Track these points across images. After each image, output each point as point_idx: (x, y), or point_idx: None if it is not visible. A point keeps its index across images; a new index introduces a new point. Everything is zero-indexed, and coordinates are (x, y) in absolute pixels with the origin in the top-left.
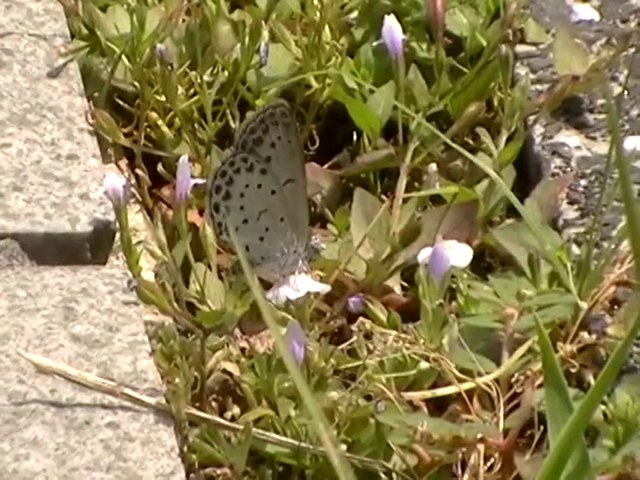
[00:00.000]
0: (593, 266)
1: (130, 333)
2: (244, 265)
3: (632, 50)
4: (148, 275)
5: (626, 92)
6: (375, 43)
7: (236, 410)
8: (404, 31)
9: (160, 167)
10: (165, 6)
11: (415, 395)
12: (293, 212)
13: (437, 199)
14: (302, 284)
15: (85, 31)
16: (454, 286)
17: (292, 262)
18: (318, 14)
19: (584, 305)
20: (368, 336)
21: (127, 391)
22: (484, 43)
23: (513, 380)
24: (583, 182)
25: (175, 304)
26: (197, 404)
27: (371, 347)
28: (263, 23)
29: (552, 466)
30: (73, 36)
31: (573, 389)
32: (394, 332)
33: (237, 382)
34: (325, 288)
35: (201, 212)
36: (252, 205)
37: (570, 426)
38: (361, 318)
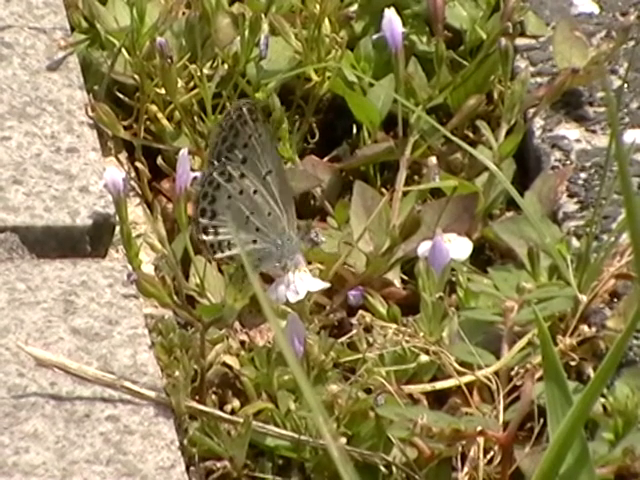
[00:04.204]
0: (593, 259)
1: (130, 326)
2: (246, 267)
3: (632, 43)
4: (148, 268)
5: (626, 85)
6: (375, 36)
7: (236, 403)
8: (404, 24)
9: (160, 160)
10: None
11: (415, 388)
12: (277, 201)
13: (437, 192)
14: (302, 285)
15: (85, 24)
16: (454, 279)
17: (289, 251)
18: (318, 7)
19: (584, 298)
20: (368, 329)
21: (127, 384)
22: (484, 36)
23: (513, 373)
24: (583, 175)
25: (175, 297)
26: (197, 397)
27: (371, 340)
28: (263, 16)
29: (552, 459)
30: (73, 29)
31: (573, 382)
32: (394, 325)
33: (237, 375)
34: (324, 286)
35: None
36: (238, 213)
37: (570, 419)
38: (361, 311)
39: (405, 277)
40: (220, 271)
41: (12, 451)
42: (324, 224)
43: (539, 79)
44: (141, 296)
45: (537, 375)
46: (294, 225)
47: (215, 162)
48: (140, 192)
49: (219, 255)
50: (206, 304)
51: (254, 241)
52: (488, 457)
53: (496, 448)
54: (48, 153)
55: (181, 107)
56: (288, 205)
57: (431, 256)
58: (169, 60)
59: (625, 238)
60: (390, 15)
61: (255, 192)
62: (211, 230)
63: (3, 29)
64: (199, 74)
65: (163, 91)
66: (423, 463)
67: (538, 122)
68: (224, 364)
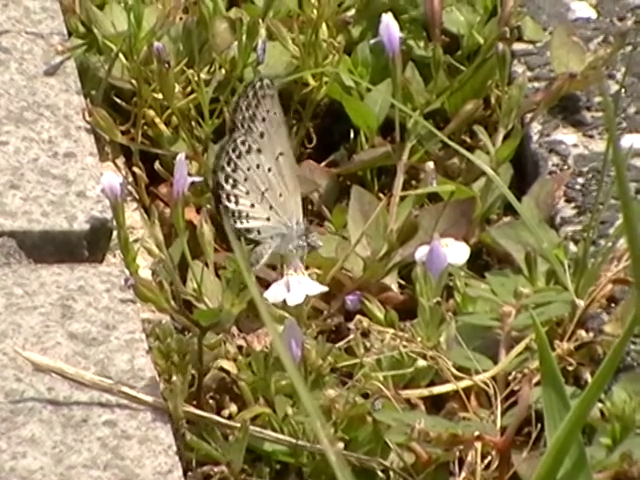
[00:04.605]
0: (590, 264)
1: (127, 331)
2: (242, 265)
3: (629, 48)
4: (145, 273)
5: (623, 90)
6: (372, 41)
7: (233, 408)
8: (401, 29)
9: (157, 165)
10: (162, 4)
11: (412, 393)
12: (287, 184)
13: (434, 197)
14: (301, 288)
15: (82, 29)
16: (451, 284)
17: (298, 235)
18: (315, 12)
19: (581, 303)
20: (365, 334)
21: (124, 389)
22: (481, 41)
23: (510, 378)
24: (580, 180)
25: (172, 302)
26: (194, 402)
27: (368, 345)
28: (260, 21)
29: (549, 464)
30: (70, 34)
31: (570, 387)
32: (391, 330)
33: (234, 380)
34: (323, 289)
35: (198, 210)
36: (256, 187)
37: (567, 424)
38: (358, 316)
39: (402, 282)
40: (217, 276)
41: (9, 456)
42: (322, 229)
43: (536, 84)
44: (138, 301)
45: (535, 380)
46: (300, 211)
47: (239, 127)
48: (137, 197)
49: (238, 225)
50: (203, 309)
51: (267, 218)
52: (486, 462)
53: (494, 453)
54: (45, 158)
55: (178, 112)
56: (295, 191)
57: (428, 261)
58: (166, 65)
59: (622, 243)
60: (387, 20)
61: (270, 170)
62: (232, 198)
63: (1, 34)
64: (196, 79)
65: (160, 96)
66: (420, 468)
67: (535, 127)
68: (221, 369)
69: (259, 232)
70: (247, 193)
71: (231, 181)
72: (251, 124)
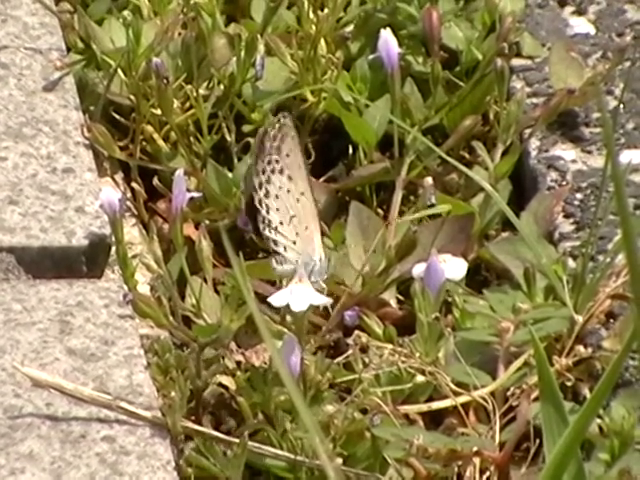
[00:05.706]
0: (589, 279)
1: (126, 347)
2: (240, 280)
3: (628, 64)
4: (144, 289)
5: (622, 105)
6: (371, 57)
7: (232, 423)
8: (400, 45)
9: (156, 181)
10: (161, 20)
11: (411, 408)
12: (309, 222)
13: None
14: (305, 297)
15: (81, 45)
16: (450, 300)
17: (319, 272)
18: (314, 28)
19: (580, 318)
20: (364, 349)
21: (123, 405)
22: (480, 57)
23: (509, 393)
24: (579, 195)
25: (171, 318)
26: (193, 417)
27: (367, 360)
28: (259, 37)
29: (548, 479)
30: (69, 50)
31: (569, 402)
32: (390, 345)
33: (233, 396)
34: (327, 301)
35: (197, 226)
36: (284, 208)
37: (566, 439)
38: (357, 331)
39: (401, 297)
40: (216, 291)
41: (8, 472)
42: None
43: (535, 100)
44: (137, 316)
45: (533, 395)
46: (322, 249)
47: (270, 151)
48: (136, 212)
49: (267, 234)
50: (202, 324)
51: (294, 242)
52: (484, 477)
53: (492, 468)
54: (44, 174)
55: (177, 127)
56: (317, 230)
57: (426, 276)
58: (165, 80)
59: (621, 259)
60: (386, 36)
61: (298, 201)
62: (264, 206)
63: None
64: (195, 94)
65: (159, 111)
66: None
67: (534, 143)
68: (220, 384)
69: (285, 249)
70: (277, 210)
71: (263, 190)
72: (279, 153)
